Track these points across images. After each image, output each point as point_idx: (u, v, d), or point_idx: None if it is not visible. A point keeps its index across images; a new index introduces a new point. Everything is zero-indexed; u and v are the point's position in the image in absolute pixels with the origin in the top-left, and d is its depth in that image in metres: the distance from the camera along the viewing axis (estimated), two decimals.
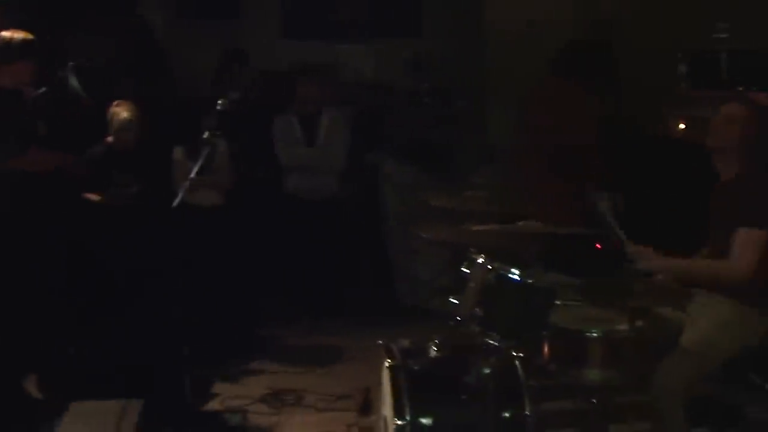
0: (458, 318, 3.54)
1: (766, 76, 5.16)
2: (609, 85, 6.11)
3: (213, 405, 4.87)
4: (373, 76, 7.57)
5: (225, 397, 4.95)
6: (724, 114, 3.75)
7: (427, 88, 7.22)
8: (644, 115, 6.01)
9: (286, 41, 7.44)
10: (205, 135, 4.50)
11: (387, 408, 3.59)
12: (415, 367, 3.61)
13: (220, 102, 4.70)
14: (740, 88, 5.12)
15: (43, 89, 5.05)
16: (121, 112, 5.37)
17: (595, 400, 3.69)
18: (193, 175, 4.37)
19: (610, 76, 5.62)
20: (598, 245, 4.49)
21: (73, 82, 5.67)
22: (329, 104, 6.36)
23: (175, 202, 4.22)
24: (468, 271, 3.54)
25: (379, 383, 3.75)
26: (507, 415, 3.49)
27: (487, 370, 3.49)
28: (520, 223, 3.64)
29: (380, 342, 3.79)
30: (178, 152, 5.66)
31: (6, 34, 4.63)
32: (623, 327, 3.37)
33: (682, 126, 5.60)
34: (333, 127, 6.31)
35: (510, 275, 3.41)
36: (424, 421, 3.43)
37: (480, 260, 3.49)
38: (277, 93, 6.60)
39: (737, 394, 4.02)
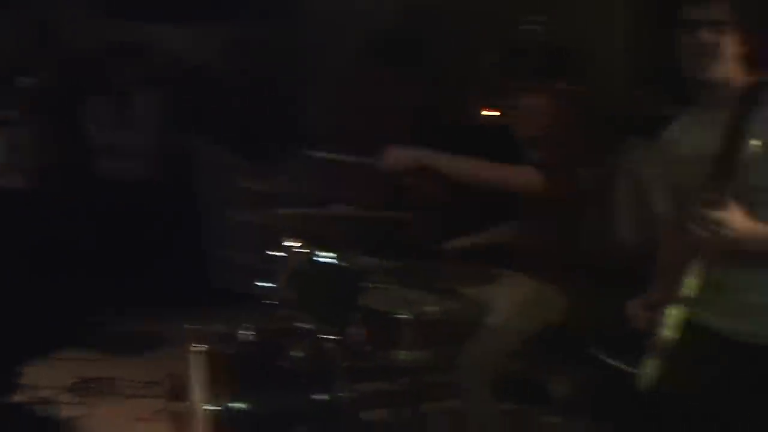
0: (271, 302, 3.52)
1: (574, 69, 5.38)
2: (421, 74, 6.24)
3: (18, 397, 4.67)
4: (190, 58, 7.43)
5: (31, 387, 4.75)
6: (527, 105, 3.86)
7: (246, 72, 7.15)
8: (458, 105, 6.14)
9: (99, 19, 7.18)
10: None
11: (198, 394, 3.54)
12: (227, 352, 3.58)
13: (22, 80, 4.51)
14: (550, 80, 5.32)
15: None
16: None
17: (407, 381, 3.77)
18: None
19: (421, 65, 5.74)
20: (411, 229, 4.57)
21: None
22: (143, 85, 6.21)
23: None
24: (281, 254, 3.53)
25: (191, 369, 3.69)
26: (321, 398, 3.50)
27: (300, 354, 3.49)
28: (332, 207, 3.66)
29: (191, 327, 3.74)
30: None
31: None
32: (433, 308, 3.43)
33: (495, 115, 5.76)
34: (147, 108, 6.17)
35: (322, 258, 3.42)
36: (236, 406, 3.39)
37: (293, 244, 3.48)
38: (89, 73, 6.39)
39: (540, 371, 4.17)
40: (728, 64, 2.53)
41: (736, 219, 2.24)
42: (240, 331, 3.70)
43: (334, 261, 3.43)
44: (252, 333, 3.69)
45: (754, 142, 2.41)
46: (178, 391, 4.20)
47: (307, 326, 3.46)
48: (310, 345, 3.50)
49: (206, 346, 3.55)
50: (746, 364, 2.54)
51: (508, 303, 3.75)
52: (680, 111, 2.83)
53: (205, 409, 3.35)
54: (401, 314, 3.47)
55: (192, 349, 3.59)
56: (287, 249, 3.51)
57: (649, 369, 2.67)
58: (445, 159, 3.62)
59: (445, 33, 6.89)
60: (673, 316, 2.56)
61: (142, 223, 6.15)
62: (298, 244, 3.47)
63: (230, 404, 3.39)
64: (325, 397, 3.50)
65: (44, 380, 4.84)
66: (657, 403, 2.72)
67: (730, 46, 2.51)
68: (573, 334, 3.91)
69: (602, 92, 5.31)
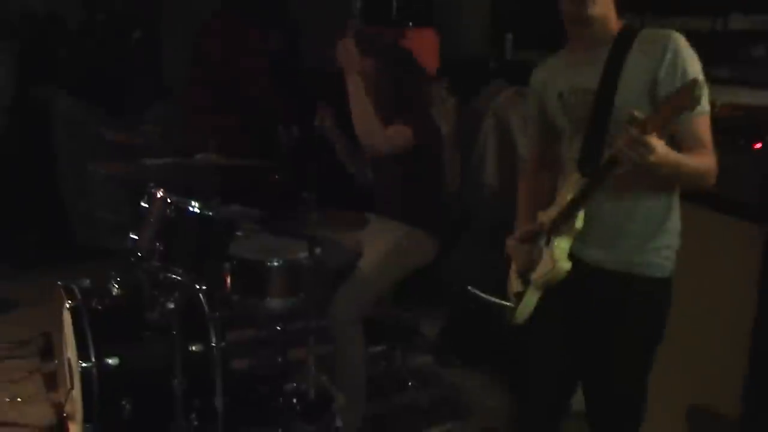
0: (139, 254, 3.48)
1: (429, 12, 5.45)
2: (277, 20, 6.19)
3: None
4: (43, 7, 7.16)
5: None
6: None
7: (102, 20, 6.94)
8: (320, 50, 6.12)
9: None
10: None
11: (70, 351, 3.49)
12: (98, 307, 3.53)
13: None
14: (410, 24, 5.36)
15: None
16: None
17: (278, 327, 3.81)
18: None
19: (276, 12, 5.70)
20: (275, 176, 4.58)
21: None
22: None
23: None
24: (147, 205, 3.48)
25: (61, 326, 3.63)
26: (193, 348, 3.51)
27: (170, 305, 3.46)
28: (198, 156, 3.62)
29: (59, 283, 3.67)
30: None
31: None
32: (302, 255, 3.46)
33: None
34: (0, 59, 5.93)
35: (189, 208, 3.39)
36: (110, 361, 3.37)
37: (158, 194, 3.44)
38: None
39: (410, 312, 4.25)
40: (605, 6, 2.63)
41: (659, 144, 2.32)
42: (109, 286, 3.65)
43: (202, 210, 3.40)
44: (121, 287, 3.64)
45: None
46: (50, 350, 4.14)
47: (177, 277, 3.43)
48: (181, 296, 3.48)
49: (76, 302, 3.49)
50: (611, 291, 2.68)
51: (379, 248, 3.81)
52: (543, 55, 2.92)
53: (80, 365, 3.31)
54: (272, 262, 3.49)
55: (62, 305, 3.53)
56: (154, 200, 3.46)
57: (519, 302, 2.78)
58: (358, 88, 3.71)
59: None
60: (559, 248, 2.67)
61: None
62: (166, 194, 3.42)
63: (103, 360, 3.36)
64: (197, 347, 3.51)
65: None
66: (525, 333, 2.84)
67: None
68: (442, 275, 4.01)
69: (466, 38, 5.39)
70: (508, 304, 2.87)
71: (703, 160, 2.54)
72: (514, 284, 2.89)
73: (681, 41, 2.56)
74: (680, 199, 2.59)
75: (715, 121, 3.64)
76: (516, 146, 4.46)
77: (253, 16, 5.22)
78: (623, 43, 2.61)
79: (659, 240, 2.66)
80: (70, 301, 3.50)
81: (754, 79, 3.77)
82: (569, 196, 2.65)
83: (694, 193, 2.81)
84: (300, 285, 3.48)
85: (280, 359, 3.86)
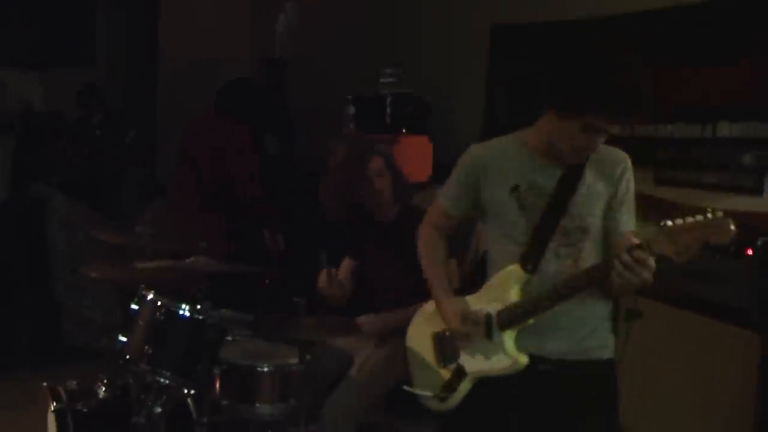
0: (128, 356, 3.45)
1: (423, 120, 5.52)
2: (270, 124, 6.27)
3: None
4: (41, 105, 7.26)
5: None
6: (374, 170, 3.91)
7: (99, 120, 7.03)
8: (314, 156, 6.19)
9: None
10: None
11: None
12: (83, 410, 3.49)
13: None
14: (404, 131, 5.43)
15: None
16: None
17: None
18: None
19: (269, 115, 5.77)
20: (266, 281, 4.58)
21: None
22: None
23: None
24: (137, 307, 3.47)
25: (46, 428, 3.57)
26: None
27: (158, 409, 3.43)
28: (189, 260, 3.62)
29: (45, 385, 3.62)
30: None
31: None
32: (293, 361, 3.43)
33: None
34: None
35: (179, 311, 3.38)
36: None
37: (149, 297, 3.43)
38: None
39: (402, 421, 4.19)
40: None
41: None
42: (96, 388, 3.61)
43: (193, 314, 3.38)
44: (109, 389, 3.60)
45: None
46: None
47: (165, 381, 3.39)
48: (168, 400, 3.44)
49: (61, 404, 3.44)
50: (573, 379, 2.74)
51: (370, 354, 3.78)
52: None
53: None
54: (262, 367, 3.46)
55: (47, 408, 3.48)
56: (144, 302, 3.44)
57: (450, 391, 2.92)
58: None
59: (304, 84, 6.98)
60: (510, 342, 2.75)
61: None
62: (156, 297, 3.41)
63: None
64: None
65: None
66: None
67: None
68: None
69: (459, 145, 5.44)
70: (440, 396, 2.95)
71: None
72: (440, 373, 2.95)
73: (630, 164, 2.75)
74: (673, 306, 2.61)
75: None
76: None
77: (246, 117, 5.28)
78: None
79: (607, 320, 2.79)
80: (55, 403, 3.46)
81: (743, 185, 3.81)
82: (514, 292, 2.72)
83: (689, 300, 2.83)
84: (291, 391, 3.46)
85: None
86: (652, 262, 2.38)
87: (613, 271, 2.44)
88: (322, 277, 3.83)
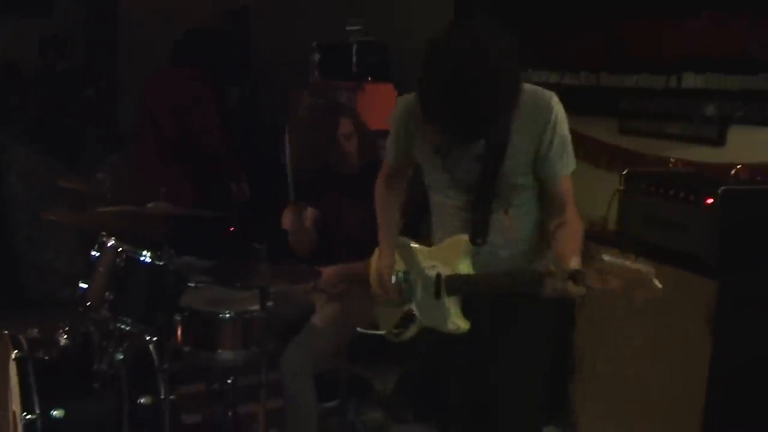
0: (88, 303, 3.43)
1: (388, 68, 5.50)
2: (232, 75, 6.19)
3: None
4: (1, 54, 7.15)
5: None
6: (343, 134, 3.89)
7: (60, 70, 6.93)
8: (279, 105, 6.16)
9: None
10: None
11: (15, 403, 3.41)
12: (44, 358, 3.47)
13: None
14: (369, 78, 5.40)
15: None
16: None
17: (229, 380, 3.75)
18: None
19: (230, 66, 5.69)
20: (231, 227, 4.56)
21: None
22: None
23: None
24: (98, 254, 3.44)
25: (6, 378, 3.55)
26: (142, 401, 3.44)
27: (119, 356, 3.42)
28: (149, 205, 3.58)
29: (5, 332, 3.60)
30: None
31: None
32: (254, 307, 3.42)
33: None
34: None
35: (140, 258, 3.36)
36: (56, 413, 3.30)
37: (110, 243, 3.40)
38: None
39: (363, 367, 4.22)
40: None
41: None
42: (57, 336, 3.59)
43: (154, 260, 3.36)
44: (70, 337, 3.58)
45: None
46: None
47: (127, 328, 3.38)
48: (130, 347, 3.43)
49: (22, 352, 3.42)
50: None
51: (331, 303, 3.78)
52: None
53: (24, 418, 3.23)
54: (223, 313, 3.45)
55: (8, 356, 3.46)
56: (105, 249, 3.41)
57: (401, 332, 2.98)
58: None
59: (268, 33, 6.92)
60: (455, 308, 2.78)
61: None
62: (117, 244, 3.38)
63: (48, 412, 3.28)
64: (146, 400, 3.45)
65: None
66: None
67: None
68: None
69: None
70: (390, 334, 3.03)
71: (574, 229, 2.61)
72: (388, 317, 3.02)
73: (560, 111, 2.62)
74: (645, 257, 2.59)
75: (669, 176, 3.70)
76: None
77: (205, 68, 5.20)
78: None
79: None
80: (16, 351, 3.43)
81: (705, 135, 3.84)
82: (464, 264, 2.74)
83: (648, 248, 2.84)
84: (252, 338, 3.45)
85: (230, 413, 3.80)
86: (582, 291, 2.35)
87: (542, 287, 2.42)
88: (287, 215, 3.82)
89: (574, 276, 2.34)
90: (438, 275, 2.80)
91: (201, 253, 3.82)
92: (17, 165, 6.20)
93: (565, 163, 2.67)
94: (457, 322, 2.76)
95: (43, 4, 7.44)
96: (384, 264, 2.96)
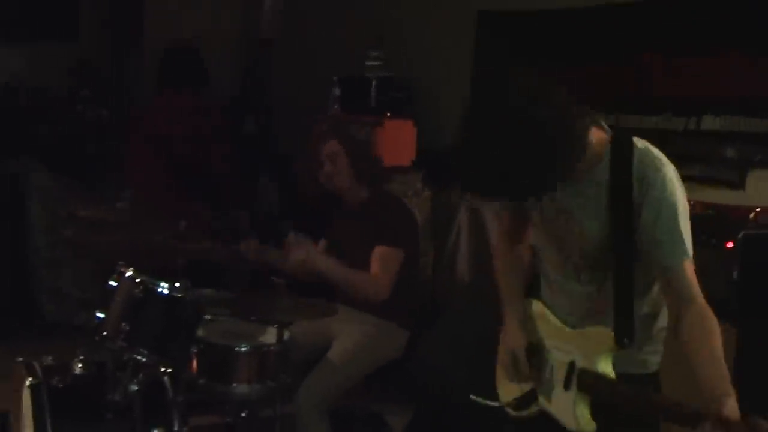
0: (104, 333, 3.43)
1: (408, 104, 5.52)
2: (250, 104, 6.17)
3: None
4: (23, 79, 7.20)
5: None
6: (326, 154, 3.91)
7: (84, 95, 6.97)
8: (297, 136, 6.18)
9: None
10: None
11: (29, 430, 3.40)
12: (59, 386, 3.46)
13: None
14: (388, 114, 5.42)
15: None
16: None
17: (243, 414, 3.74)
18: None
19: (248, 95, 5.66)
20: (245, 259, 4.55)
21: None
22: None
23: None
24: (115, 284, 3.45)
25: (21, 405, 3.55)
26: None
27: (134, 387, 3.41)
28: (168, 236, 3.60)
29: (20, 360, 3.60)
30: None
31: None
32: (271, 341, 3.42)
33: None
34: None
35: (158, 289, 3.36)
36: None
37: (128, 273, 3.41)
38: None
39: (379, 404, 4.20)
40: None
41: None
42: (72, 364, 3.59)
43: (171, 292, 3.37)
44: (85, 366, 3.58)
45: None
46: (7, 429, 4.04)
47: (142, 358, 3.38)
48: (144, 378, 3.42)
49: (36, 380, 3.42)
50: None
51: (349, 338, 3.78)
52: None
53: None
54: (239, 346, 3.45)
55: (22, 383, 3.46)
56: (122, 279, 3.42)
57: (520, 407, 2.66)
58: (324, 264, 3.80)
59: (289, 65, 6.95)
60: (584, 409, 2.42)
61: None
62: (135, 274, 3.39)
63: None
64: (160, 431, 3.44)
65: None
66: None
67: None
68: (411, 367, 3.97)
69: (443, 130, 5.44)
70: (506, 407, 2.71)
71: (713, 337, 2.20)
72: (510, 389, 2.69)
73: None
74: None
75: (690, 218, 3.67)
76: (489, 240, 4.46)
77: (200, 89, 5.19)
78: (623, 164, 2.30)
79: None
80: (30, 379, 3.43)
81: (725, 178, 3.82)
82: (604, 362, 2.36)
83: None
84: (267, 371, 3.43)
85: None
86: None
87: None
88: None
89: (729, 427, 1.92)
90: (572, 363, 2.43)
91: (218, 285, 3.82)
92: (38, 189, 6.24)
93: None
94: (583, 420, 2.37)
95: (70, 30, 7.50)
96: (516, 343, 2.60)
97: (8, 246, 6.26)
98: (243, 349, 3.45)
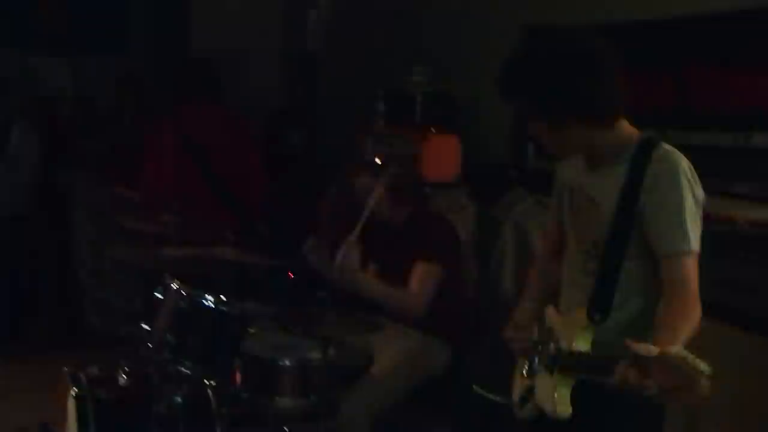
0: (150, 344, 3.45)
1: (452, 119, 5.49)
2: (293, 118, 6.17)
3: None
4: (72, 91, 7.29)
5: None
6: (361, 186, 3.94)
7: (133, 107, 7.02)
8: (342, 149, 6.18)
9: None
10: None
11: None
12: (103, 396, 3.48)
13: None
14: (432, 129, 5.40)
15: None
16: None
17: (286, 428, 3.73)
18: None
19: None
20: (290, 273, 4.55)
21: None
22: (21, 116, 6.03)
23: None
24: (161, 296, 3.47)
25: (64, 414, 3.57)
26: None
27: (178, 399, 3.43)
28: (215, 250, 3.62)
29: (66, 369, 3.62)
30: None
31: None
32: (315, 355, 3.42)
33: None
34: (23, 139, 5.98)
35: (203, 301, 3.37)
36: None
37: (174, 285, 3.43)
38: None
39: (422, 419, 4.18)
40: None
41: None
42: (117, 375, 3.61)
43: (216, 305, 3.38)
44: (130, 377, 3.60)
45: None
46: None
47: (187, 371, 3.39)
48: (189, 390, 3.43)
49: (81, 390, 3.44)
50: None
51: (393, 353, 3.77)
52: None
53: None
54: (283, 360, 3.45)
55: (67, 393, 3.48)
56: (168, 291, 3.44)
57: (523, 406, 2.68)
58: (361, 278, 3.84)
59: (334, 78, 6.97)
60: (563, 391, 2.43)
61: (14, 260, 5.95)
62: (180, 286, 3.41)
63: None
64: None
65: None
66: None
67: None
68: (455, 383, 3.95)
69: (488, 145, 5.42)
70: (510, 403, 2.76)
71: (689, 320, 2.29)
72: (519, 388, 2.74)
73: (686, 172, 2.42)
74: (712, 318, 2.47)
75: (738, 237, 3.63)
76: (535, 255, 4.43)
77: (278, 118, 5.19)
78: (643, 157, 2.44)
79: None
80: (75, 389, 3.45)
81: None
82: (582, 341, 2.40)
83: (718, 311, 2.76)
84: (311, 386, 3.43)
85: None
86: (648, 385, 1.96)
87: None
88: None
89: (638, 360, 1.98)
90: (558, 349, 2.48)
91: (262, 298, 3.83)
92: (85, 199, 6.31)
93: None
94: (561, 402, 2.38)
95: (118, 43, 7.59)
96: (519, 317, 2.80)
97: (55, 257, 6.34)
98: (287, 363, 3.44)
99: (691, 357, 1.91)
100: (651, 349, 1.96)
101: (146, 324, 3.48)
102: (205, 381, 3.47)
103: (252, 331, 3.59)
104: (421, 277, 3.83)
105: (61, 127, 6.81)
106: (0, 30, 7.08)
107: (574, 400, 2.40)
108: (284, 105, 7.27)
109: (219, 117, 5.13)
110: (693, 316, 2.30)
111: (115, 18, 7.69)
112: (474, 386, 3.02)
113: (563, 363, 2.44)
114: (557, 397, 2.40)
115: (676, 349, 1.97)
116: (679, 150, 3.92)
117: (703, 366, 1.89)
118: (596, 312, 2.41)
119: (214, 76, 5.24)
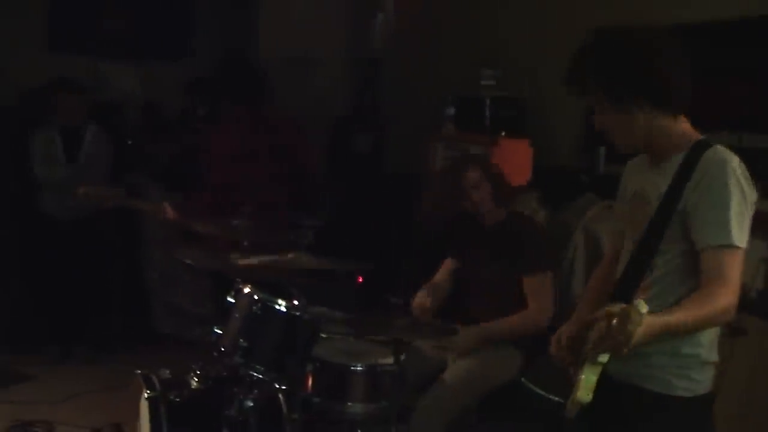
0: (221, 348, 3.46)
1: (522, 123, 5.44)
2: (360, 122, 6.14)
3: None
4: (143, 96, 7.37)
5: None
6: (471, 183, 3.92)
7: (202, 113, 7.07)
8: (411, 153, 6.16)
9: (50, 55, 7.08)
10: None
11: None
12: (176, 399, 3.50)
13: None
14: (503, 133, 5.36)
15: None
16: None
17: None
18: None
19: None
20: (360, 278, 4.55)
21: None
22: (93, 121, 6.11)
23: None
24: (233, 300, 3.48)
25: (136, 415, 3.60)
26: None
27: (249, 403, 3.43)
28: (288, 255, 3.62)
29: (138, 371, 3.65)
30: None
31: None
32: (387, 361, 3.40)
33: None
34: (96, 144, 6.07)
35: (276, 306, 3.38)
36: None
37: (246, 290, 3.43)
38: (34, 108, 6.26)
39: (493, 425, 4.14)
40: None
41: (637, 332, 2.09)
42: (188, 378, 3.63)
43: (289, 310, 3.38)
44: (201, 380, 3.61)
45: None
46: None
47: (258, 375, 3.39)
48: (260, 394, 3.44)
49: (154, 392, 3.46)
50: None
51: (465, 359, 3.74)
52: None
53: None
54: (355, 366, 3.44)
55: (139, 395, 3.51)
56: (240, 296, 3.45)
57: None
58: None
59: (402, 82, 6.95)
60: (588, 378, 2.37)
61: (86, 263, 6.02)
62: (253, 291, 3.41)
63: None
64: None
65: None
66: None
67: None
68: (526, 388, 3.90)
69: (558, 150, 5.36)
70: (557, 399, 2.74)
71: (708, 303, 2.30)
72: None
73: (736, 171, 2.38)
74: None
75: None
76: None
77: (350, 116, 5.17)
78: (695, 156, 2.44)
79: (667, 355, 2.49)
80: (148, 391, 3.48)
81: None
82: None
83: None
84: (382, 391, 3.42)
85: None
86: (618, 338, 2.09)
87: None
88: (420, 296, 3.82)
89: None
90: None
91: (336, 304, 3.82)
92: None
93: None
94: (585, 387, 2.33)
95: (185, 47, 7.66)
96: (565, 327, 2.72)
97: (126, 261, 6.41)
98: (358, 368, 3.45)
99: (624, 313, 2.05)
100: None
101: (218, 328, 3.49)
102: (277, 386, 3.47)
103: (324, 336, 3.59)
104: (537, 291, 3.82)
105: (130, 132, 6.89)
106: (71, 37, 7.18)
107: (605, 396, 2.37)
108: (351, 110, 7.26)
109: (263, 119, 5.04)
110: (717, 305, 2.28)
111: (182, 24, 7.75)
112: (522, 379, 2.99)
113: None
114: (581, 381, 2.36)
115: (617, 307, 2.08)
116: (756, 154, 3.86)
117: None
118: (623, 291, 2.47)
119: (255, 77, 5.19)
